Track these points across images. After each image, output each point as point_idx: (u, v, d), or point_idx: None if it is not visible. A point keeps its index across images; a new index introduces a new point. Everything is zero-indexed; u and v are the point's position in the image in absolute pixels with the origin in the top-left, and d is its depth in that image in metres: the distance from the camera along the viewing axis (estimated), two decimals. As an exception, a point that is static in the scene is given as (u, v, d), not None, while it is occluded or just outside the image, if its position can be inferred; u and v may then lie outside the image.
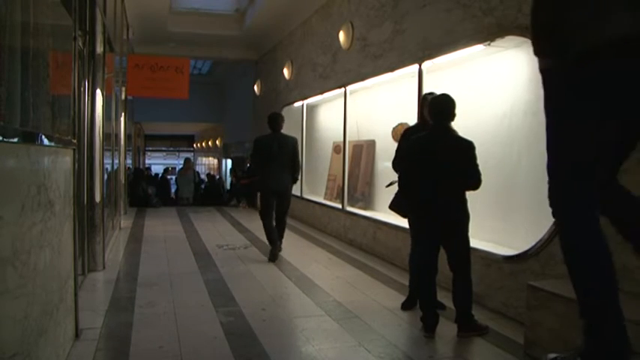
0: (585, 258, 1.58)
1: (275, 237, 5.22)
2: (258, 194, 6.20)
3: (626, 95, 1.38)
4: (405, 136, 3.53)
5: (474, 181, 3.03)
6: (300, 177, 7.17)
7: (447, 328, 3.08)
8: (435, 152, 3.03)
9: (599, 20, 1.29)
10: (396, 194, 3.41)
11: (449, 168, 3.00)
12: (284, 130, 5.34)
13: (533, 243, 3.27)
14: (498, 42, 3.72)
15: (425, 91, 4.60)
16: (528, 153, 3.78)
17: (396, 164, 3.51)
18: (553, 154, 1.53)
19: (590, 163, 1.48)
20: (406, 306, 3.56)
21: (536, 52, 1.58)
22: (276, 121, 5.28)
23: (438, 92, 3.30)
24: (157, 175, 18.10)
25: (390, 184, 3.70)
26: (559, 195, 1.55)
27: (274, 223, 5.30)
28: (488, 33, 3.73)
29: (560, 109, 1.46)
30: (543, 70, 1.48)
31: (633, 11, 1.28)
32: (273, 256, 5.08)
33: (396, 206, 3.43)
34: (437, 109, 3.10)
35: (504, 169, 3.94)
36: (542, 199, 3.80)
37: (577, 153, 1.46)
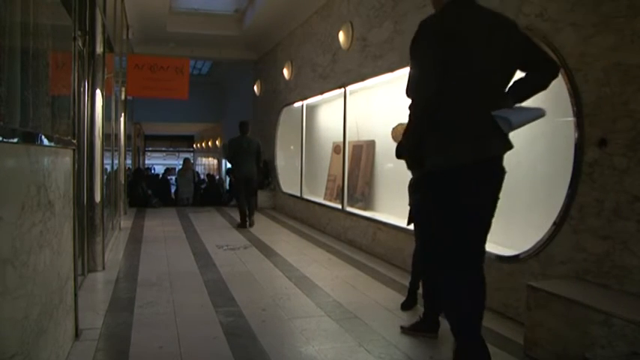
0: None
1: (245, 211, 7.21)
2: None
3: (462, 192, 2.01)
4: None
5: None
6: (300, 178, 7.66)
7: (447, 328, 3.08)
8: None
9: (442, 152, 1.96)
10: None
11: None
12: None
13: (532, 243, 3.27)
14: (498, 42, 3.72)
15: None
16: (528, 153, 3.78)
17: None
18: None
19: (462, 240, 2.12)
20: (406, 306, 3.56)
21: (408, 168, 2.26)
22: (246, 126, 7.39)
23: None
24: (157, 174, 18.11)
25: None
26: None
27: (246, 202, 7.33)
28: (488, 33, 3.73)
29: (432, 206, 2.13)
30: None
31: (471, 143, 1.95)
32: (246, 224, 7.20)
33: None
34: None
35: (504, 170, 3.94)
36: (542, 200, 3.81)
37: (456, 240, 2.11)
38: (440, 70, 1.92)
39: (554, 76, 2.12)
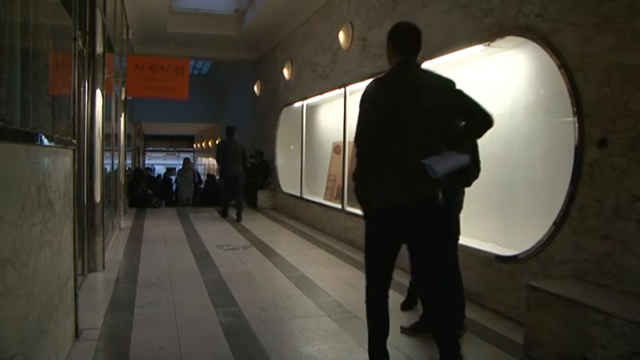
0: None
1: (227, 203, 8.51)
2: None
3: (405, 223, 2.35)
4: None
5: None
6: (300, 178, 7.79)
7: (446, 329, 3.08)
8: None
9: (378, 196, 2.36)
10: None
11: None
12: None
13: (532, 243, 3.27)
14: (498, 42, 3.72)
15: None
16: (528, 153, 3.78)
17: None
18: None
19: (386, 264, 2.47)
20: (406, 306, 3.56)
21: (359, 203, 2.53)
22: (233, 130, 8.24)
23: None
24: (158, 175, 18.07)
25: None
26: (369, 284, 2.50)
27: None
28: (488, 33, 3.73)
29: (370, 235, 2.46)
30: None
31: (403, 187, 2.31)
32: (227, 214, 8.40)
33: None
34: None
35: (504, 170, 3.95)
36: (542, 200, 3.80)
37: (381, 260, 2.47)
38: (378, 127, 2.29)
39: (489, 127, 2.44)
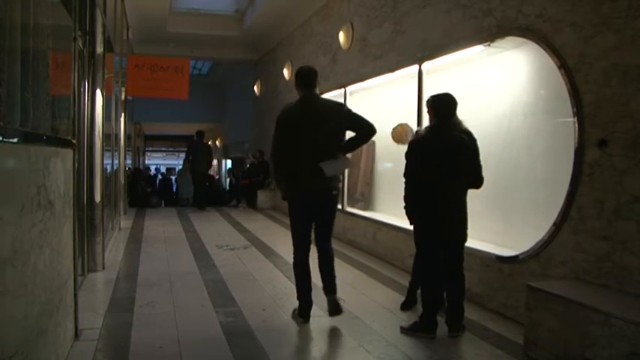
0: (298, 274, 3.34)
1: (203, 197, 9.93)
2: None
3: (309, 206, 3.28)
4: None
5: (476, 180, 3.09)
6: None
7: (445, 329, 3.08)
8: (437, 153, 3.04)
9: (292, 186, 3.27)
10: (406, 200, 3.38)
11: (450, 167, 3.01)
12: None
13: (532, 244, 3.27)
14: (498, 43, 3.72)
15: (425, 92, 4.60)
16: (528, 153, 3.78)
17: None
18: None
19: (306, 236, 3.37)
20: (405, 306, 3.56)
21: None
22: (202, 134, 9.98)
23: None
24: (155, 175, 18.05)
25: None
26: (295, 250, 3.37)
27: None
28: (488, 34, 3.73)
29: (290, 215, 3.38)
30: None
31: (301, 181, 3.20)
32: (204, 207, 9.74)
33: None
34: (438, 108, 3.12)
35: (504, 170, 3.94)
36: (542, 200, 3.80)
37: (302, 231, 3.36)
38: (284, 141, 3.26)
39: (371, 135, 3.33)
